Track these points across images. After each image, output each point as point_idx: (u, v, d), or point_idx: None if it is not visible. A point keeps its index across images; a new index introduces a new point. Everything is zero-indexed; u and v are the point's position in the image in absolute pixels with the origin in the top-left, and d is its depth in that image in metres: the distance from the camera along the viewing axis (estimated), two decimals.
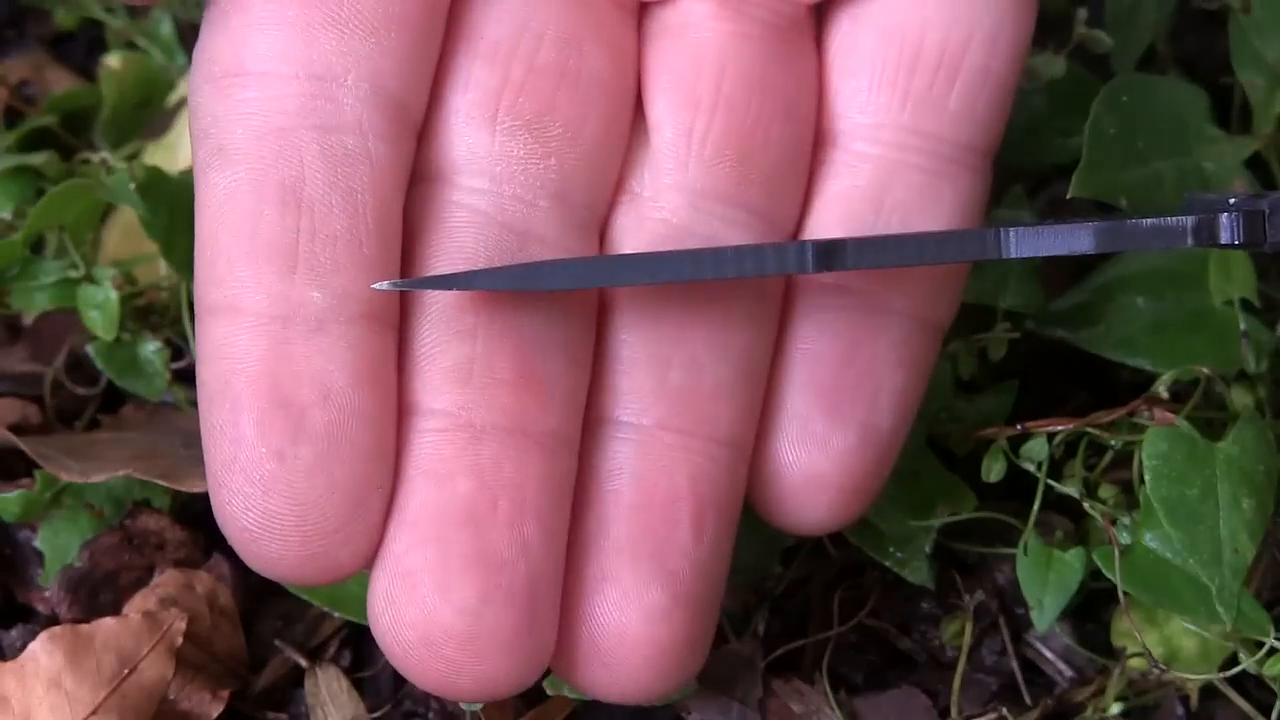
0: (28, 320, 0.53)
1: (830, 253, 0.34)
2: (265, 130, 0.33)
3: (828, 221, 0.38)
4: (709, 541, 0.37)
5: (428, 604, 0.33)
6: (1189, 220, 0.34)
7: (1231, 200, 0.35)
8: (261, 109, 0.33)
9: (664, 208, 0.37)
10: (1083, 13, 0.50)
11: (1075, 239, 0.34)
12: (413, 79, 0.35)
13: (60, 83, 0.60)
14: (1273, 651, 0.43)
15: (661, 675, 0.36)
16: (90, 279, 0.50)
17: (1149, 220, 0.34)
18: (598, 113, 0.37)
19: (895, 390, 0.38)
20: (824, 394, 0.38)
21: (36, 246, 0.51)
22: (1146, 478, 0.43)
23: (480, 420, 0.35)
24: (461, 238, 0.35)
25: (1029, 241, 0.34)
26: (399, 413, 0.35)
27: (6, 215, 0.51)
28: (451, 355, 0.35)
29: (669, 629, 0.36)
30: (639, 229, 0.37)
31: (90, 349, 0.50)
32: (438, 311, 0.35)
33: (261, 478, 0.33)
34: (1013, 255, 0.34)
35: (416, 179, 0.36)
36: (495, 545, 0.34)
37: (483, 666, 0.34)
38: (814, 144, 0.39)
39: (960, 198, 0.39)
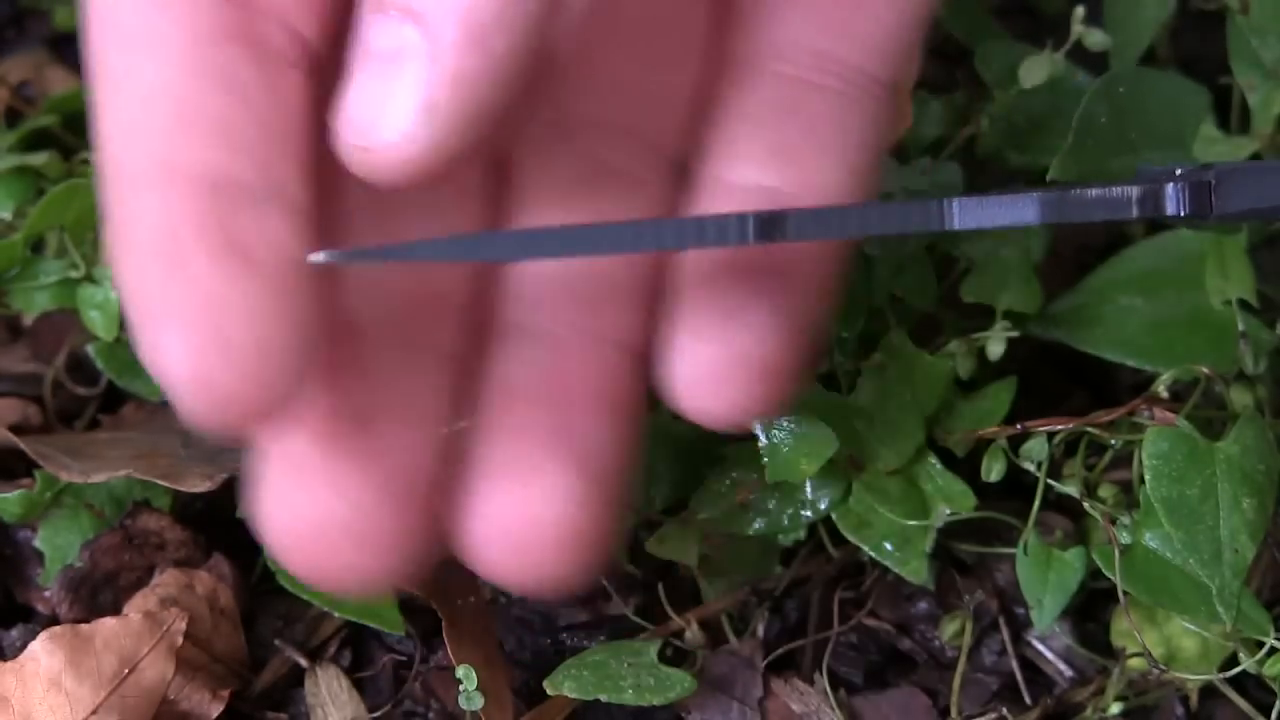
0: (28, 320, 0.53)
1: (772, 224, 0.34)
2: (193, 32, 0.33)
3: (739, 130, 0.39)
4: (618, 434, 0.38)
5: (321, 497, 0.34)
6: (1134, 190, 0.34)
7: (1178, 171, 0.35)
8: (186, 14, 0.33)
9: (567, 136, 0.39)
10: (1080, 11, 0.50)
11: (1020, 209, 0.34)
12: (317, 17, 0.35)
13: (60, 83, 0.60)
14: (1273, 651, 0.43)
15: (572, 562, 0.36)
16: (90, 279, 0.50)
17: (1094, 190, 0.34)
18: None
19: (813, 275, 0.39)
20: (753, 273, 0.38)
21: (37, 246, 0.51)
22: (1147, 477, 0.43)
23: (375, 331, 0.36)
24: None
25: (973, 212, 0.34)
26: None
27: (7, 215, 0.51)
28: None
29: (583, 513, 0.36)
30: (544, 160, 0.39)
31: (90, 349, 0.50)
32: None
33: (218, 306, 0.32)
34: (957, 226, 0.34)
35: None
36: (389, 441, 0.35)
37: (368, 561, 0.35)
38: (724, 63, 0.39)
39: (867, 124, 0.39)
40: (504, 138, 0.38)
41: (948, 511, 0.46)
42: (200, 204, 0.32)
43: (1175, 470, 0.43)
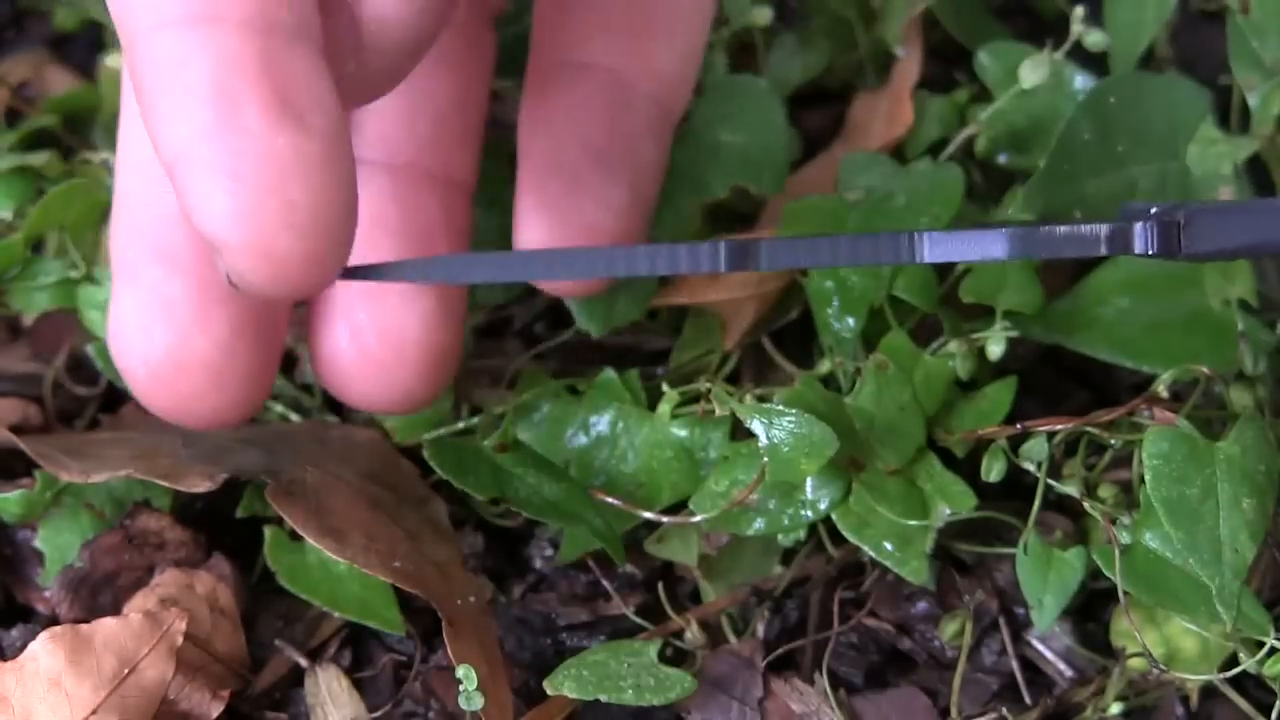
0: (28, 320, 0.53)
1: (744, 252, 0.34)
2: None
3: (576, 13, 0.40)
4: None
5: (187, 334, 0.36)
6: (1103, 228, 0.34)
7: (1153, 210, 0.35)
8: None
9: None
10: (1079, 11, 0.50)
11: (989, 244, 0.34)
12: None
13: (60, 83, 0.60)
14: (1273, 651, 0.43)
15: (435, 378, 0.39)
16: (90, 279, 0.50)
17: (1063, 227, 0.34)
18: None
19: (651, 162, 0.41)
20: (599, 154, 0.39)
21: (37, 247, 0.51)
22: (1147, 477, 0.43)
23: None
24: None
25: (942, 246, 0.34)
26: None
27: (7, 215, 0.51)
28: None
29: (442, 335, 0.39)
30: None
31: (90, 349, 0.50)
32: None
33: (280, 169, 0.31)
34: (926, 259, 0.34)
35: None
36: None
37: (223, 395, 0.37)
38: None
39: (698, 9, 0.42)
40: None
41: (948, 512, 0.46)
42: (249, 48, 0.31)
43: (1175, 470, 0.43)
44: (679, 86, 0.41)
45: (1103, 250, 0.34)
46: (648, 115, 0.40)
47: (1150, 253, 0.34)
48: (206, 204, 0.31)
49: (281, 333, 0.39)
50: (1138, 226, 0.34)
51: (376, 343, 0.38)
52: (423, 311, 0.38)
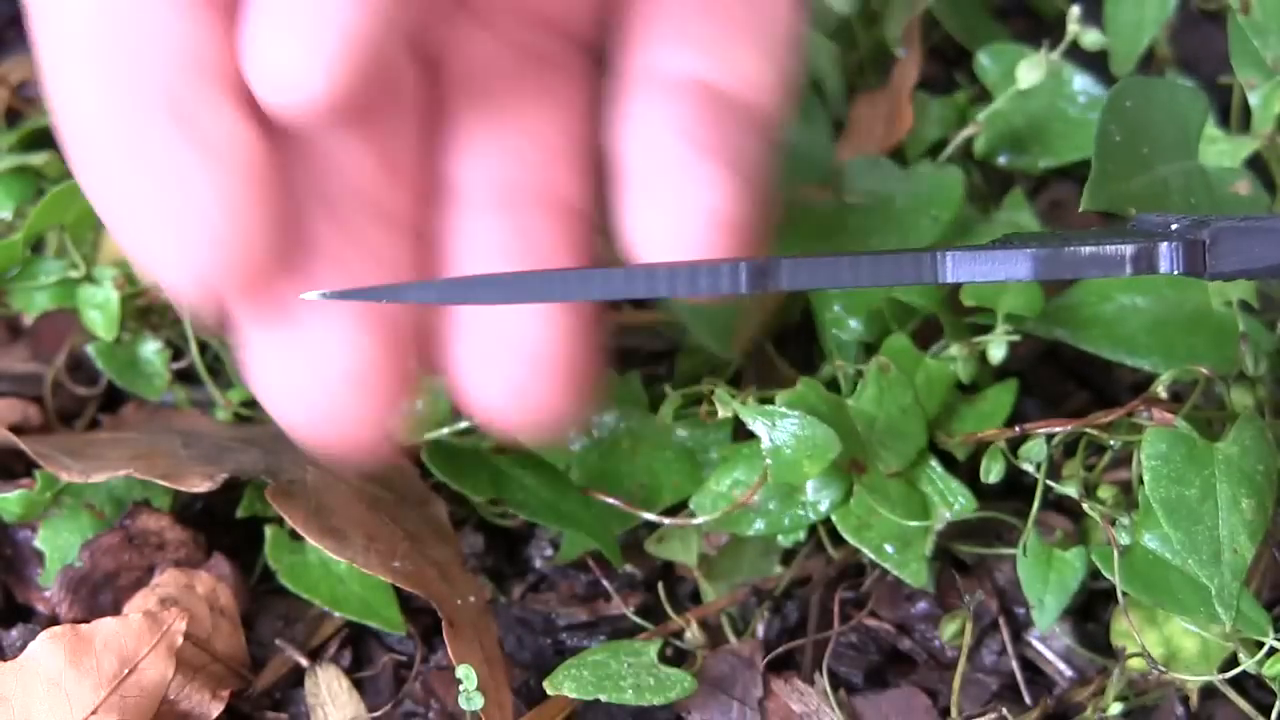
0: (28, 320, 0.53)
1: (764, 272, 0.34)
2: None
3: (658, 29, 0.39)
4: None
5: (319, 347, 0.35)
6: (1128, 249, 0.34)
7: (1174, 227, 0.35)
8: None
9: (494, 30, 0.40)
10: (1076, 10, 0.50)
11: (1013, 265, 0.34)
12: None
13: None
14: (1272, 651, 0.43)
15: (565, 392, 0.37)
16: (90, 279, 0.50)
17: (1088, 248, 0.34)
18: None
19: (753, 161, 0.40)
20: (702, 147, 0.39)
21: (37, 246, 0.51)
22: (1146, 478, 0.43)
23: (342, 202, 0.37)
24: None
25: (966, 266, 0.34)
26: None
27: (7, 215, 0.51)
28: None
29: (569, 347, 0.37)
30: (470, 52, 0.39)
31: (90, 349, 0.50)
32: None
33: (188, 192, 0.33)
34: (949, 280, 0.34)
35: None
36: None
37: (372, 407, 0.36)
38: None
39: (781, 13, 0.40)
40: (428, 36, 0.39)
41: (948, 514, 0.46)
42: (154, 83, 0.33)
43: (1174, 471, 0.43)
44: (770, 89, 0.40)
45: (1128, 271, 0.34)
46: (742, 117, 0.40)
47: (1175, 272, 0.34)
48: (125, 236, 0.34)
49: (416, 334, 0.37)
50: (1163, 247, 0.34)
51: (512, 362, 0.37)
52: (548, 325, 0.37)
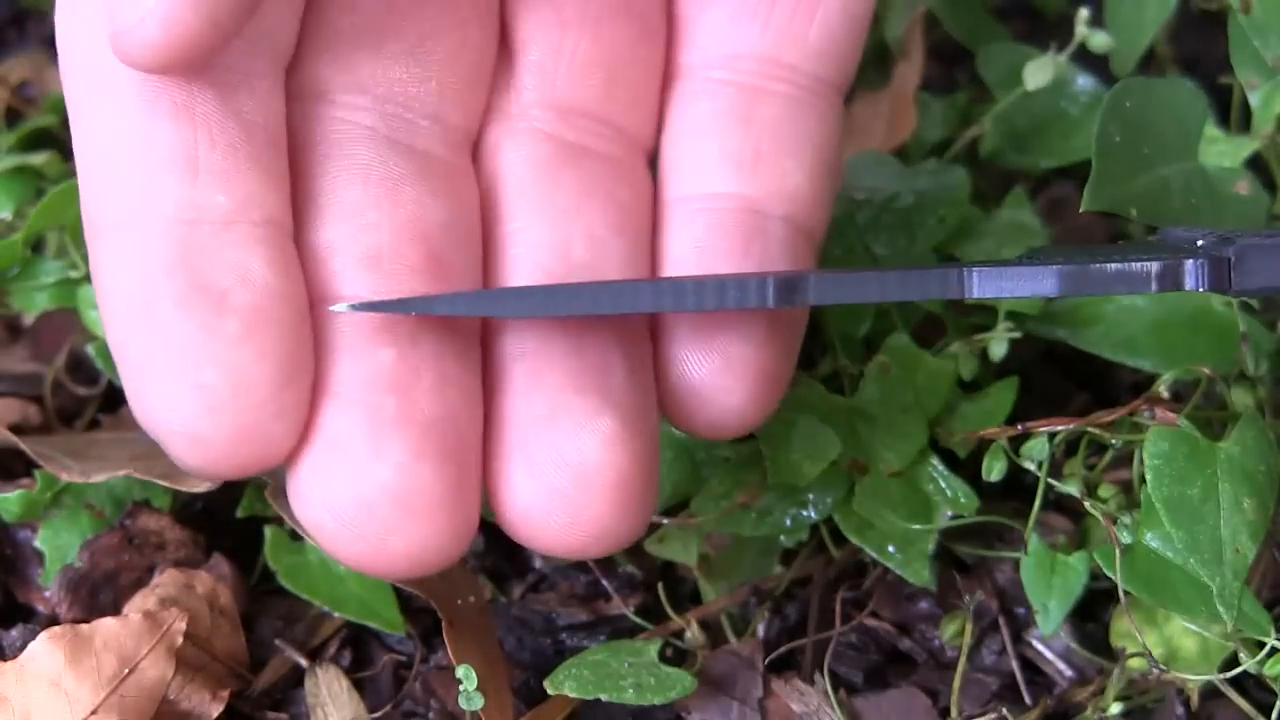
0: (28, 320, 0.53)
1: (792, 287, 0.34)
2: None
3: (698, 140, 0.39)
4: (641, 377, 0.37)
5: (360, 465, 0.33)
6: (1154, 266, 0.34)
7: (1200, 243, 0.35)
8: None
9: (534, 121, 0.39)
10: (1084, 13, 0.50)
11: (1039, 282, 0.34)
12: (287, 18, 0.36)
13: (60, 83, 0.60)
14: (1273, 651, 0.43)
15: (622, 508, 0.34)
16: (90, 279, 0.49)
17: (1114, 265, 0.34)
18: (472, 35, 0.38)
19: None
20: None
21: (37, 247, 0.51)
22: (1148, 477, 0.43)
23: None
24: (354, 149, 0.36)
25: (993, 282, 0.34)
26: (312, 303, 0.35)
27: (7, 215, 0.51)
28: (361, 246, 0.35)
29: (626, 455, 0.35)
30: (514, 143, 0.39)
31: (91, 349, 0.50)
32: (343, 208, 0.36)
33: (191, 353, 0.32)
34: (975, 295, 0.34)
35: (295, 98, 0.36)
36: (422, 407, 0.34)
37: (417, 527, 0.33)
38: (670, 76, 0.40)
39: (824, 126, 0.40)
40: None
41: (949, 513, 0.46)
42: (165, 242, 0.32)
43: (1176, 470, 0.43)
44: (816, 204, 0.39)
45: (1153, 289, 0.34)
46: (785, 238, 0.38)
47: (1201, 289, 0.34)
48: (133, 399, 0.33)
49: (475, 450, 0.35)
50: (1189, 264, 0.34)
51: (556, 474, 0.34)
52: (602, 433, 0.34)
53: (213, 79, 0.34)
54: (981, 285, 0.34)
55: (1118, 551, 0.44)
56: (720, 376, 0.37)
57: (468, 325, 0.36)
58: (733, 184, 0.38)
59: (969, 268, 0.34)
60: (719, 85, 0.39)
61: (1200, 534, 0.42)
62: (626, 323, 0.37)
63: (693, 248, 0.38)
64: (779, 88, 0.39)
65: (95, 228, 0.34)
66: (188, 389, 0.32)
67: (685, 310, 0.34)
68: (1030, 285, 0.34)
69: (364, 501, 0.33)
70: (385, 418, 0.34)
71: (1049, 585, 0.45)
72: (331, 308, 0.34)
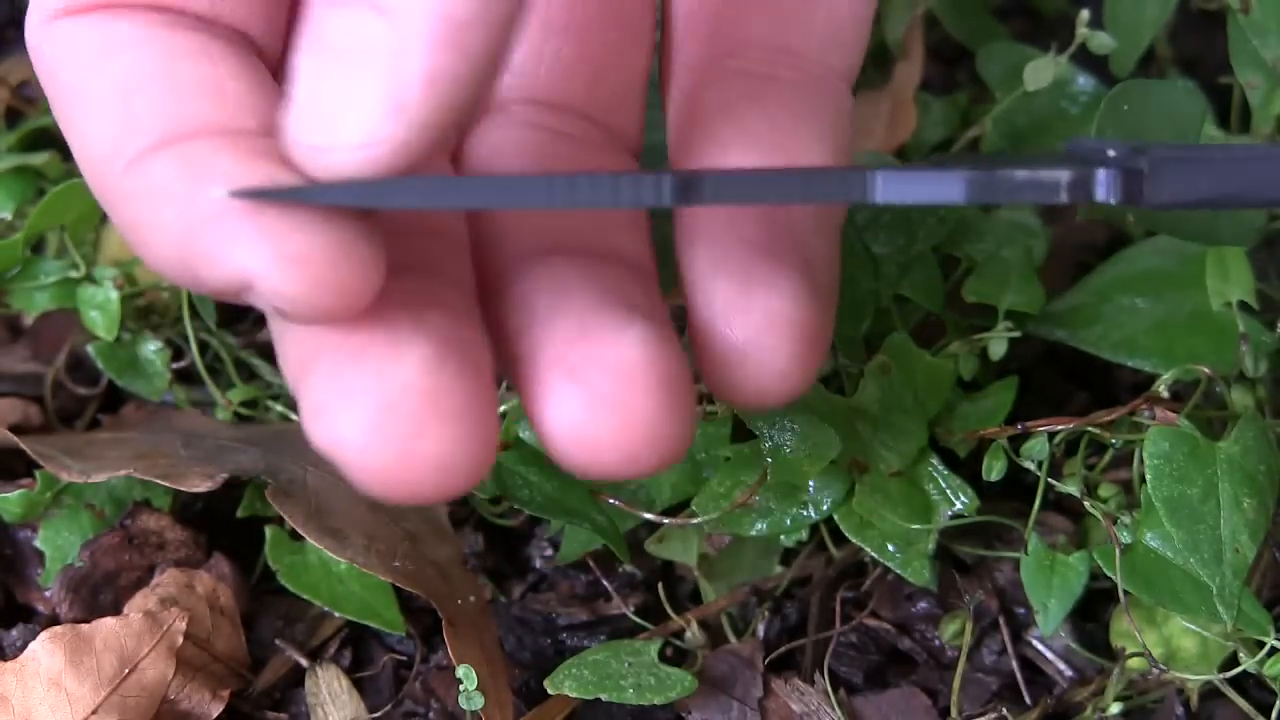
0: (28, 320, 0.53)
1: (689, 185, 0.32)
2: (157, 25, 0.33)
3: (713, 124, 0.38)
4: (659, 302, 0.37)
5: (384, 367, 0.32)
6: (1064, 175, 0.32)
7: (1111, 153, 0.34)
8: (146, 18, 0.33)
9: (516, 115, 0.38)
10: (1085, 14, 0.50)
11: (946, 187, 0.32)
12: (272, 26, 0.35)
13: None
14: (1273, 651, 0.43)
15: (670, 406, 0.33)
16: (91, 279, 0.50)
17: (1022, 172, 0.32)
18: None
19: (822, 255, 0.38)
20: (765, 250, 0.37)
21: (37, 247, 0.51)
22: (1148, 477, 0.43)
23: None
24: None
25: (897, 186, 0.32)
26: None
27: (7, 215, 0.51)
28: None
29: (664, 353, 0.34)
30: (497, 132, 0.38)
31: (91, 349, 0.50)
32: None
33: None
34: (880, 199, 0.32)
35: None
36: (437, 324, 0.33)
37: (443, 430, 0.32)
38: (683, 65, 0.40)
39: (836, 112, 0.39)
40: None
41: (949, 513, 0.46)
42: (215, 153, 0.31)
43: (1176, 470, 0.43)
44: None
45: (1063, 198, 0.32)
46: (807, 211, 0.38)
47: (1112, 201, 0.32)
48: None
49: (490, 375, 0.34)
50: (1100, 173, 0.32)
51: (599, 378, 0.33)
52: (639, 334, 0.33)
53: (218, 35, 0.34)
54: (885, 189, 0.32)
55: (1117, 551, 0.44)
56: (764, 335, 0.35)
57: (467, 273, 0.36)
58: (752, 158, 0.37)
59: (874, 170, 0.32)
60: (729, 73, 0.39)
61: (1200, 534, 0.42)
62: (632, 261, 0.37)
63: (715, 222, 0.37)
64: (788, 74, 0.39)
65: (131, 152, 0.32)
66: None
67: (579, 206, 0.32)
68: (936, 190, 0.32)
69: (389, 402, 0.32)
70: (402, 329, 0.33)
71: (1049, 585, 0.45)
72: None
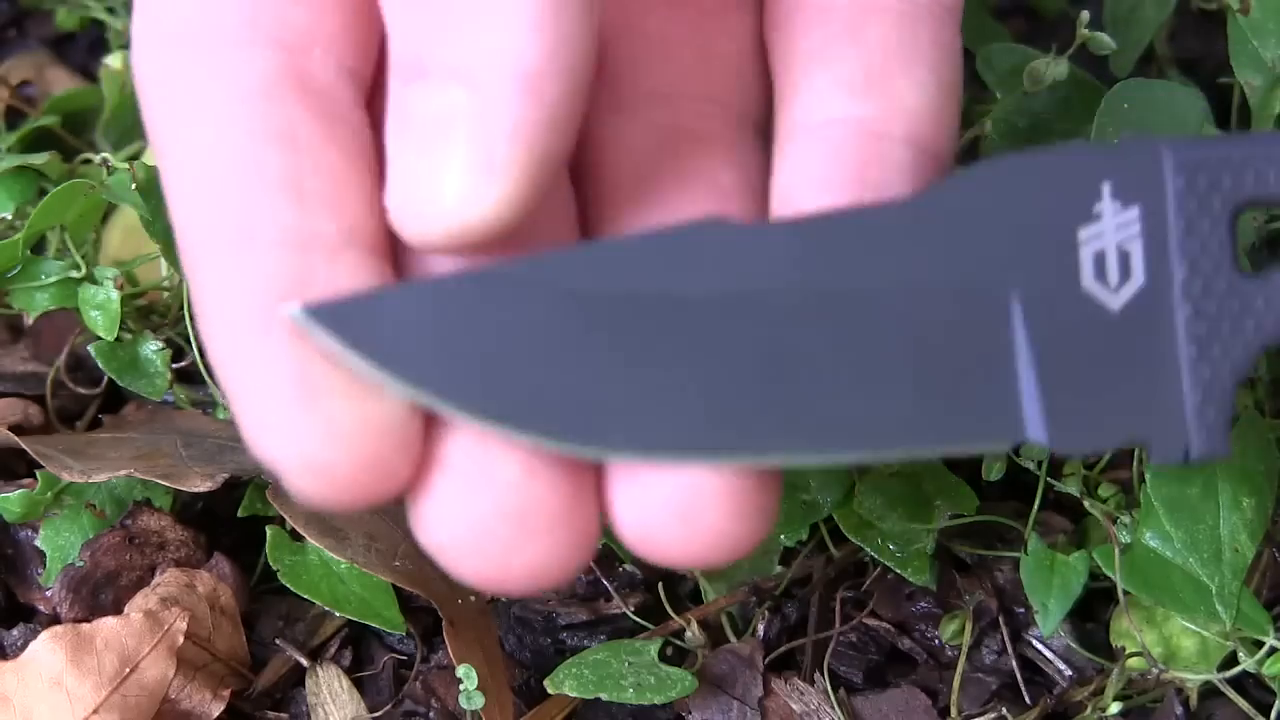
0: (29, 320, 0.53)
1: None
2: (249, 89, 0.33)
3: (809, 69, 0.38)
4: None
5: (474, 489, 0.33)
6: None
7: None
8: (239, 70, 0.33)
9: (630, 111, 0.38)
10: (1085, 15, 0.50)
11: None
12: (365, 51, 0.35)
13: (61, 83, 0.60)
14: (1272, 651, 0.43)
15: (737, 513, 0.33)
16: (91, 279, 0.50)
17: None
18: None
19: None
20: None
21: (38, 247, 0.51)
22: (1148, 476, 0.43)
23: None
24: None
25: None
26: None
27: (8, 215, 0.51)
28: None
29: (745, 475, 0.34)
30: (615, 137, 0.38)
31: (91, 349, 0.50)
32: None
33: (312, 389, 0.31)
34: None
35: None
36: None
37: (535, 544, 0.33)
38: (773, 11, 0.39)
39: (939, 44, 0.38)
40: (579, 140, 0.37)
41: (949, 514, 0.46)
42: (279, 267, 0.32)
43: (1176, 470, 0.43)
44: (938, 124, 0.38)
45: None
46: (904, 159, 0.37)
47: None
48: (248, 428, 0.32)
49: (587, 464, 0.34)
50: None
51: (664, 485, 0.33)
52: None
53: (313, 107, 0.33)
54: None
55: (1117, 551, 0.44)
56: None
57: None
58: (846, 108, 0.37)
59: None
60: (826, 11, 0.38)
61: (1200, 533, 0.42)
62: None
63: (803, 178, 0.37)
64: (890, 4, 0.38)
65: (196, 241, 0.33)
66: (314, 421, 0.31)
67: None
68: None
69: (481, 525, 0.33)
70: (493, 441, 0.33)
71: (1048, 585, 0.45)
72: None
